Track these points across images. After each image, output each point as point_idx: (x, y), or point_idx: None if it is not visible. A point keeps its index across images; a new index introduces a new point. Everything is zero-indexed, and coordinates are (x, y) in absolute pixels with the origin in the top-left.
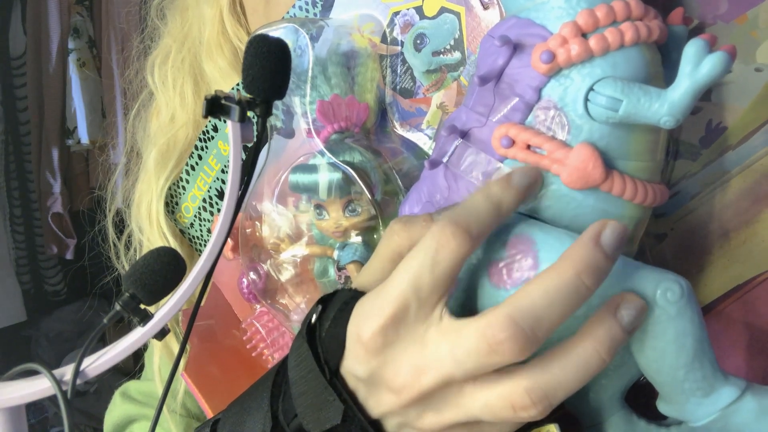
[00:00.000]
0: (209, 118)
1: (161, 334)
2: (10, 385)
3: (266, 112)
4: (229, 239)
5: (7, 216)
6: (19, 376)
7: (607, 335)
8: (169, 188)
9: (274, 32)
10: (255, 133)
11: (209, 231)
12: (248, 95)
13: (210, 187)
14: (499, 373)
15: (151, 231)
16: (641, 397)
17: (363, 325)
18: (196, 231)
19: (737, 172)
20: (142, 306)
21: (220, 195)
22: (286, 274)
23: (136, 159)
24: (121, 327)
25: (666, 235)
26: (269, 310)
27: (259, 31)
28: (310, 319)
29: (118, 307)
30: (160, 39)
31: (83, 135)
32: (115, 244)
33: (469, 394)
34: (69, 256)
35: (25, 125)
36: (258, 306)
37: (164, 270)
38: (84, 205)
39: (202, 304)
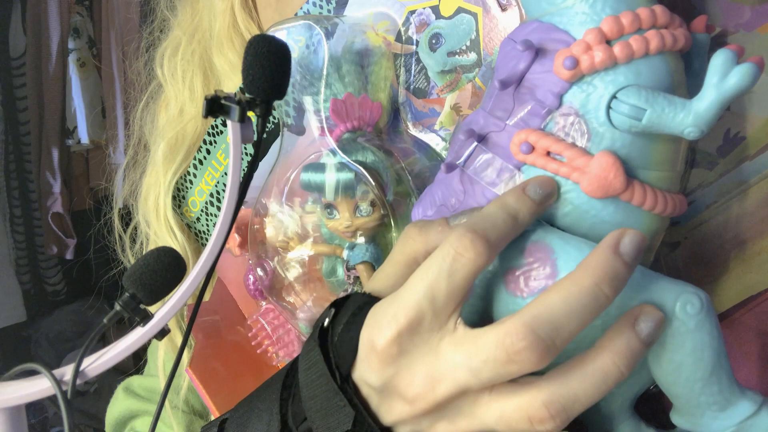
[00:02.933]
0: None
1: (161, 334)
2: (10, 385)
3: (266, 112)
4: (236, 236)
5: (7, 216)
6: (19, 376)
7: (626, 348)
8: (177, 182)
9: (290, 29)
10: (255, 133)
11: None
12: (248, 95)
13: (217, 182)
14: (516, 384)
15: (158, 225)
16: (650, 407)
17: (377, 333)
18: (202, 225)
19: (755, 182)
20: (142, 306)
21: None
22: (294, 272)
23: (143, 152)
24: (121, 327)
25: (680, 243)
26: (275, 307)
27: (274, 28)
28: (323, 323)
29: (118, 307)
30: (169, 31)
31: (83, 135)
32: (120, 237)
33: (485, 405)
34: (69, 256)
35: (25, 125)
36: (264, 303)
37: (164, 270)
38: (88, 205)
39: (207, 299)
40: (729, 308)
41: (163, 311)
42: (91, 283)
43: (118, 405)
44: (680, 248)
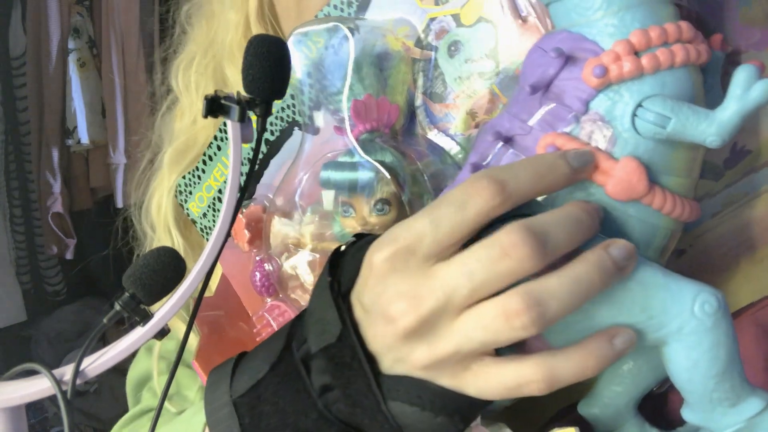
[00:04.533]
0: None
1: (161, 334)
2: (10, 385)
3: (266, 112)
4: (247, 232)
5: (7, 216)
6: (19, 376)
7: (599, 261)
8: (183, 177)
9: (314, 29)
10: (255, 132)
11: None
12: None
13: (226, 179)
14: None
15: (158, 225)
16: (654, 407)
17: (376, 250)
18: (208, 221)
19: (761, 193)
20: (142, 306)
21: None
22: (302, 270)
23: (157, 158)
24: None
25: (684, 251)
26: (281, 303)
27: (299, 29)
28: (340, 247)
29: (117, 307)
30: (185, 45)
31: (83, 135)
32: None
33: (464, 318)
34: (69, 256)
35: (25, 125)
36: (269, 299)
37: (164, 270)
38: (88, 205)
39: (212, 294)
40: (734, 311)
41: (163, 311)
42: (92, 283)
43: (140, 364)
44: (685, 255)
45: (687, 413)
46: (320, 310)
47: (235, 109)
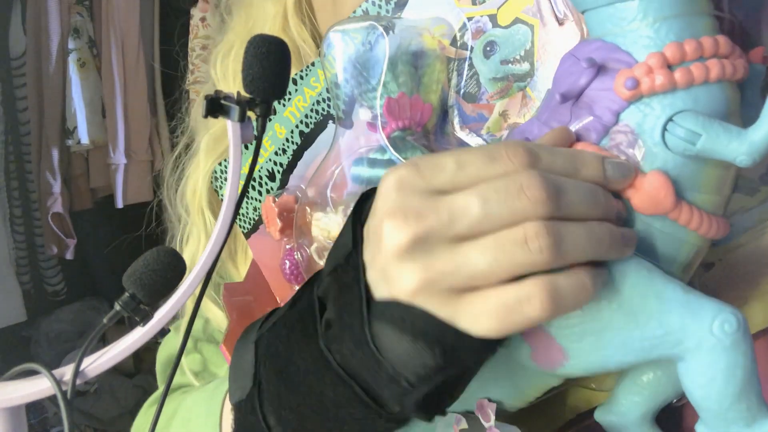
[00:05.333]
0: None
1: (161, 334)
2: (10, 385)
3: (266, 112)
4: (279, 221)
5: (7, 216)
6: (19, 376)
7: (609, 228)
8: (219, 164)
9: (352, 26)
10: (255, 131)
11: (255, 210)
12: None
13: (261, 167)
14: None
15: (192, 207)
16: (672, 420)
17: (391, 170)
18: (242, 208)
19: None
20: (142, 306)
21: (271, 176)
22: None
23: (193, 144)
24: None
25: (714, 264)
26: None
27: (336, 26)
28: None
29: (118, 307)
30: (225, 34)
31: (83, 135)
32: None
33: (469, 245)
34: (69, 256)
35: (25, 125)
36: (297, 287)
37: (164, 270)
38: (88, 205)
39: (242, 280)
40: (757, 332)
41: (163, 311)
42: (92, 283)
43: (170, 342)
44: (714, 269)
45: (701, 429)
46: (340, 237)
47: (235, 109)
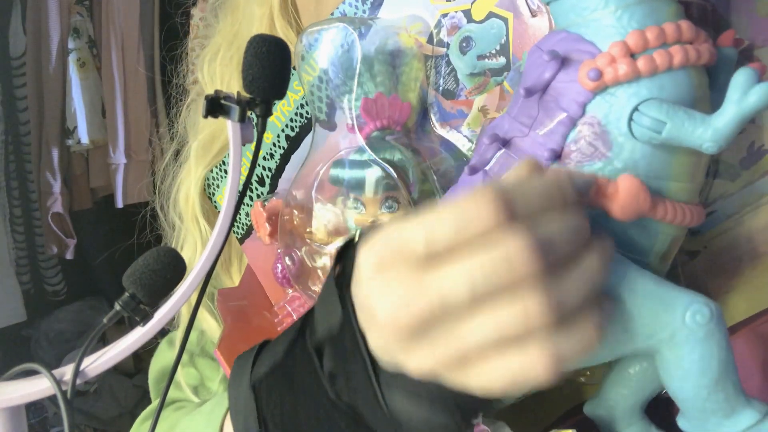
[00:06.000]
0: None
1: (161, 334)
2: (10, 385)
3: (266, 112)
4: (267, 225)
5: (7, 216)
6: (19, 376)
7: (601, 252)
8: (211, 170)
9: (325, 29)
10: (255, 132)
11: (247, 215)
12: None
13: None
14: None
15: (185, 215)
16: (661, 411)
17: (365, 248)
18: None
19: None
20: (142, 306)
21: (260, 181)
22: (320, 263)
23: (184, 150)
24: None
25: (699, 252)
26: (301, 295)
27: (310, 29)
28: (354, 236)
29: (118, 307)
30: (211, 37)
31: (83, 135)
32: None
33: (469, 320)
34: (69, 256)
35: (25, 125)
36: (290, 291)
37: (164, 270)
38: (88, 205)
39: (236, 285)
40: (745, 318)
41: (163, 311)
42: (92, 283)
43: (162, 356)
44: (699, 257)
45: (682, 422)
46: (326, 299)
47: (235, 110)
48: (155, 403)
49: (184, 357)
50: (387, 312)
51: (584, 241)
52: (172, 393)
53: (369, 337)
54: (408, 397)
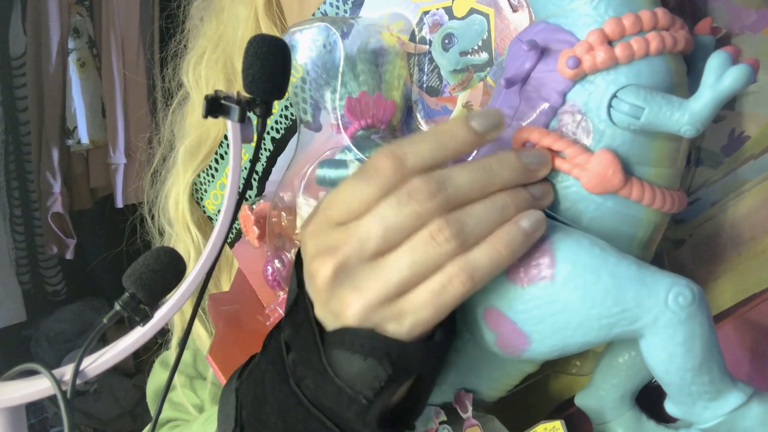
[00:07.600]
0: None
1: (161, 334)
2: (10, 385)
3: (266, 112)
4: (256, 228)
5: (7, 216)
6: (19, 376)
7: (515, 194)
8: (198, 175)
9: (306, 30)
10: (255, 132)
11: (237, 219)
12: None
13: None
14: None
15: (176, 222)
16: (651, 400)
17: (305, 222)
18: None
19: (760, 181)
20: (142, 306)
21: (248, 184)
22: None
23: (171, 155)
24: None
25: (684, 241)
26: None
27: (293, 29)
28: None
29: (118, 307)
30: (196, 40)
31: (83, 135)
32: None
33: (385, 258)
34: (69, 256)
35: (25, 125)
36: (281, 293)
37: (164, 270)
38: (88, 205)
39: (227, 289)
40: (732, 305)
41: (162, 311)
42: (92, 283)
43: (156, 377)
44: (685, 245)
45: (669, 406)
46: (290, 282)
47: (235, 110)
48: (148, 427)
49: (183, 378)
50: (317, 261)
51: (497, 179)
52: (169, 413)
53: (313, 300)
54: (345, 352)
